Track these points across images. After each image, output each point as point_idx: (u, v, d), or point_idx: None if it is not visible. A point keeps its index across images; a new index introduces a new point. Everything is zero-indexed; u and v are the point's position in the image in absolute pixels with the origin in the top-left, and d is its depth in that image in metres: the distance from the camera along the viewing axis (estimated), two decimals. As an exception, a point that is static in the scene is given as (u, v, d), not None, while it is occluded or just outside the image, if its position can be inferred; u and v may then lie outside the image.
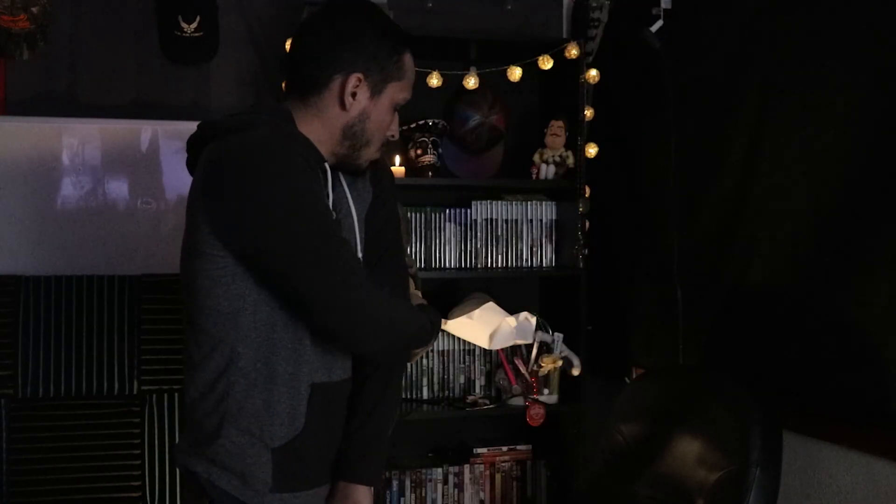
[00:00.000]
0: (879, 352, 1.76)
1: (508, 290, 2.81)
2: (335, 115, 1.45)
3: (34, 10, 2.37)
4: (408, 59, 1.50)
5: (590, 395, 2.68)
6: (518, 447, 2.78)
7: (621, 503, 1.97)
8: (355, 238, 1.50)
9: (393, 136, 1.55)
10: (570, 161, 2.69)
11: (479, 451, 2.75)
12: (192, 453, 1.43)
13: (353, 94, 1.44)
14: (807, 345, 1.94)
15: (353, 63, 1.44)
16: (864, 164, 1.81)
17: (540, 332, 2.65)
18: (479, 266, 2.75)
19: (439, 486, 2.70)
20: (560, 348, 2.64)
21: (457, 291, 2.77)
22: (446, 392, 2.76)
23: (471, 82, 2.61)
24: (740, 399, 1.80)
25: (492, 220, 2.76)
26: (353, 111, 1.46)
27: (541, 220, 2.80)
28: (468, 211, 2.74)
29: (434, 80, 2.54)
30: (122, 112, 2.57)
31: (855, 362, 1.81)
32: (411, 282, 1.66)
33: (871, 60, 1.79)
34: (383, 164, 1.62)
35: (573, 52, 2.61)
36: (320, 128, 1.46)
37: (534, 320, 2.60)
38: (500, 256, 2.77)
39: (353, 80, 1.44)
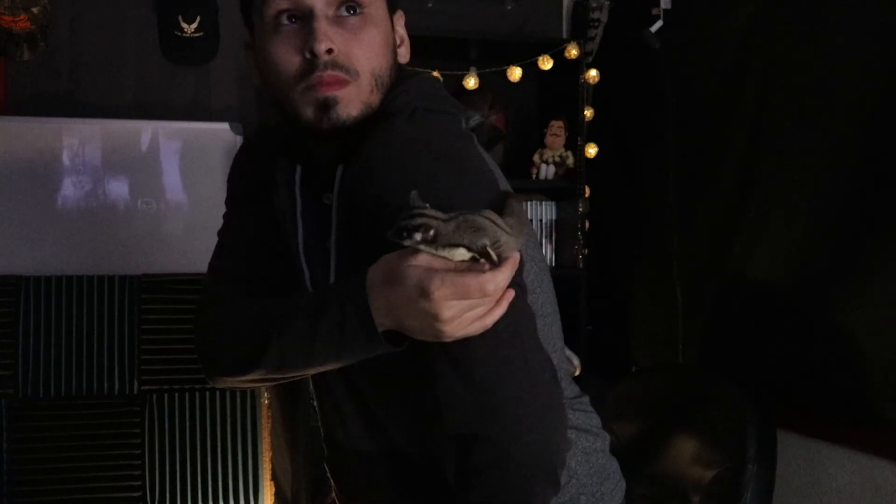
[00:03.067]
0: (877, 352, 1.76)
1: (508, 290, 2.80)
2: None
3: (34, 10, 2.37)
4: None
5: (590, 395, 2.66)
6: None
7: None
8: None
9: (311, 52, 0.99)
10: (570, 161, 2.68)
11: (480, 451, 2.74)
12: None
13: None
14: (806, 344, 1.94)
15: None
16: (863, 164, 1.81)
17: (540, 333, 2.63)
18: (478, 266, 2.74)
19: (439, 486, 2.69)
20: (560, 348, 2.63)
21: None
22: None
23: (471, 82, 2.60)
24: (735, 396, 1.79)
25: (492, 220, 2.76)
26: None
27: (541, 220, 2.80)
28: (468, 211, 2.74)
29: (434, 80, 2.53)
30: (122, 112, 2.56)
31: (853, 363, 1.81)
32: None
33: (872, 60, 1.79)
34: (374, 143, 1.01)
35: (573, 52, 2.61)
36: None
37: (534, 320, 2.59)
38: (500, 256, 2.76)
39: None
